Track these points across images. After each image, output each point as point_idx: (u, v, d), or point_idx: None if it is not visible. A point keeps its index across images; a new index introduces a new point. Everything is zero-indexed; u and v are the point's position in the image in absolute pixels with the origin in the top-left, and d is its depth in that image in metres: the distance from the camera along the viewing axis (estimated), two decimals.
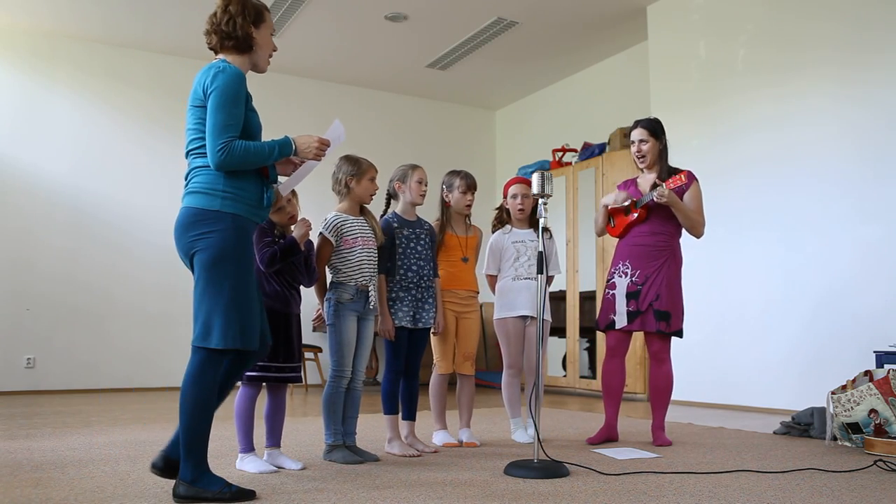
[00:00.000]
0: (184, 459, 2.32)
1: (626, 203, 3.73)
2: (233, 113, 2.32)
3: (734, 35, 5.57)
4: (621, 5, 6.22)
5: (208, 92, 2.32)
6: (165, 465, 2.38)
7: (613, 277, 3.75)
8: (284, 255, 2.90)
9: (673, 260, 3.67)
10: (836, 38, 4.91)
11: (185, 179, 2.43)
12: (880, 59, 4.66)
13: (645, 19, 6.33)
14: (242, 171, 2.36)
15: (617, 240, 3.86)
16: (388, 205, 3.56)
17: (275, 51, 2.57)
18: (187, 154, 2.43)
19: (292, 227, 2.99)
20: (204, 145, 2.35)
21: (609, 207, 3.82)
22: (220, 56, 2.47)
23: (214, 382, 2.33)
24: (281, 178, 2.67)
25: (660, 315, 3.60)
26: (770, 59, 5.31)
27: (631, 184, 3.84)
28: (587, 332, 6.61)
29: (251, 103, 2.45)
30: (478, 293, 3.76)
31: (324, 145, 2.51)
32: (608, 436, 3.69)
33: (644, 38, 6.57)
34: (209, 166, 2.34)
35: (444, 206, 3.70)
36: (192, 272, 2.36)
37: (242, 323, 2.31)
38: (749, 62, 5.47)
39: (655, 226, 3.67)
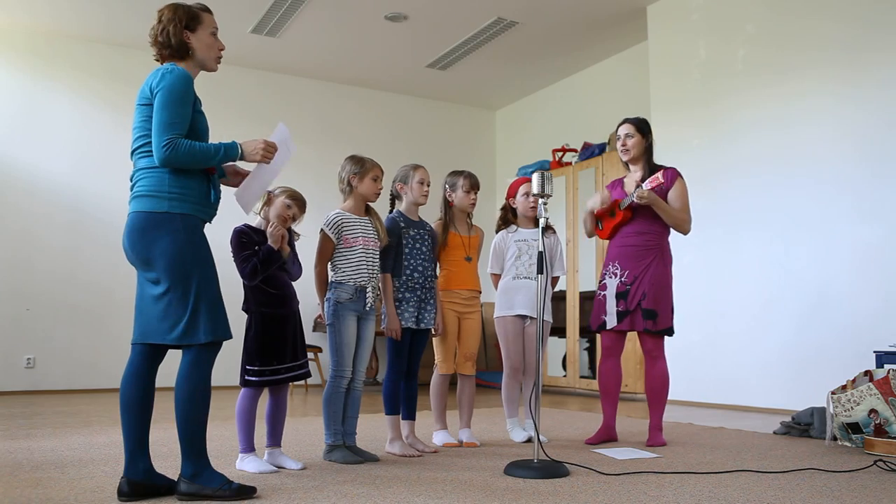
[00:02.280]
0: (184, 456, 2.34)
1: (608, 204, 3.74)
2: (178, 112, 2.33)
3: (734, 35, 5.57)
4: (621, 5, 6.22)
5: (155, 91, 2.34)
6: (131, 490, 2.33)
7: (605, 279, 3.78)
8: (265, 265, 2.88)
9: (661, 259, 3.68)
10: (837, 38, 4.91)
11: (131, 181, 2.42)
12: (880, 59, 4.66)
13: (645, 19, 6.33)
14: (187, 171, 2.36)
15: (607, 241, 3.88)
16: (392, 205, 3.56)
17: (222, 49, 2.54)
18: (132, 154, 2.44)
19: (268, 232, 2.91)
20: (147, 144, 2.36)
21: (596, 212, 3.83)
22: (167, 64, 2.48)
23: (203, 378, 2.36)
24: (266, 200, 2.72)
25: (647, 314, 3.62)
26: (770, 59, 5.31)
27: (618, 184, 3.87)
28: (587, 332, 6.60)
29: (199, 106, 2.46)
30: (480, 293, 3.76)
31: (270, 147, 2.46)
32: (607, 436, 3.70)
33: (644, 38, 6.57)
34: (153, 168, 2.35)
35: (447, 205, 3.70)
36: (145, 276, 2.37)
37: (215, 315, 2.34)
38: (749, 62, 5.46)
39: (642, 225, 3.69)
